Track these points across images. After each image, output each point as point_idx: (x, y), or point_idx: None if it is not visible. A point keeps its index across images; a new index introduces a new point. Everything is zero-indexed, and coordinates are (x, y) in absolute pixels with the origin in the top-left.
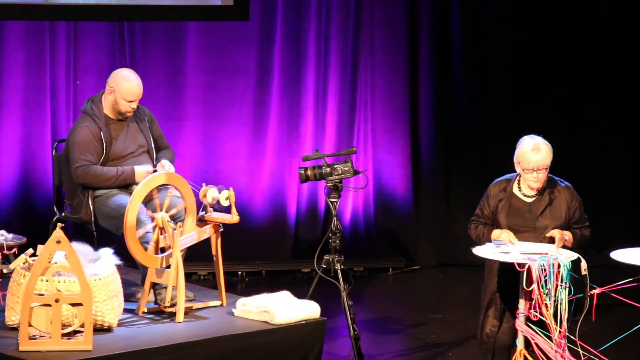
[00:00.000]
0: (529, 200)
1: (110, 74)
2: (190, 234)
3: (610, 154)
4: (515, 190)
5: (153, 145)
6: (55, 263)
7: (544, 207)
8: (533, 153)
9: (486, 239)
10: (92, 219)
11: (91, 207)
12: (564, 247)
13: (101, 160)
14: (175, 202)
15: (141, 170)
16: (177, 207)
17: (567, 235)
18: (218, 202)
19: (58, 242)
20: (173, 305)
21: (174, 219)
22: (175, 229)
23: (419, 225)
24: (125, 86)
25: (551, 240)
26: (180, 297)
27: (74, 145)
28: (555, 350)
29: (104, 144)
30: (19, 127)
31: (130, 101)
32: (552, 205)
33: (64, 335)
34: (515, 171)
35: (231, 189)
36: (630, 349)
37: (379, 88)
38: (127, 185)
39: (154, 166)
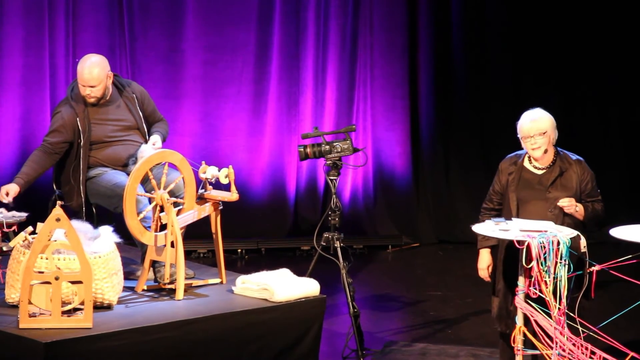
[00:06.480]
0: (540, 172)
1: None
2: (189, 212)
3: (610, 131)
4: (526, 163)
5: (144, 122)
6: (55, 241)
7: (555, 179)
8: (529, 120)
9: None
10: (84, 208)
11: (82, 196)
12: (574, 218)
13: (81, 144)
14: (171, 177)
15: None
16: (174, 182)
17: (579, 207)
18: (217, 179)
19: (58, 219)
20: (172, 282)
21: (173, 193)
22: (174, 206)
23: (418, 203)
24: (78, 68)
25: (562, 210)
26: (180, 274)
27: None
28: (555, 327)
29: (80, 131)
30: (18, 105)
31: (83, 85)
32: (563, 176)
33: (64, 312)
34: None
35: (230, 166)
36: (629, 326)
37: (378, 66)
38: (124, 164)
39: (146, 142)
